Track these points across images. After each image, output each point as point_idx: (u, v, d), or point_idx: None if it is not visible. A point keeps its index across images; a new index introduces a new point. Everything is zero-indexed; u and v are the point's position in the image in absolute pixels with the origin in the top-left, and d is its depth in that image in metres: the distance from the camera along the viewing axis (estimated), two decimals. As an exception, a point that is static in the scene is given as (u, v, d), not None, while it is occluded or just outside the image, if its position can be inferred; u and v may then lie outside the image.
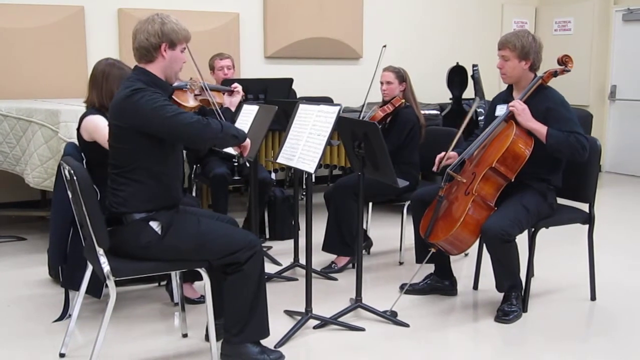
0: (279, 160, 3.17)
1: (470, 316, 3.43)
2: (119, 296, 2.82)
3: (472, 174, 3.26)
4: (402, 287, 3.63)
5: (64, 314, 3.25)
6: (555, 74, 3.32)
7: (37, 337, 3.06)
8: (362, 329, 3.14)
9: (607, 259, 4.18)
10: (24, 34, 5.25)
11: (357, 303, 3.31)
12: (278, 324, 3.08)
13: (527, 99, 3.29)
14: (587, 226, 3.49)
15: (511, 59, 3.30)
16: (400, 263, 4.24)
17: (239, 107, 3.51)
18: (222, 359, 2.71)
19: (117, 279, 2.52)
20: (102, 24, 5.62)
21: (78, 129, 3.23)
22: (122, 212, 2.55)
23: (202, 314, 2.92)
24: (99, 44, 5.56)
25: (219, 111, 2.95)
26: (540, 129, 3.20)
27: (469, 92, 6.55)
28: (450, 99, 6.54)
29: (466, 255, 4.23)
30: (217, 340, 2.72)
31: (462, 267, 4.12)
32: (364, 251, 4.16)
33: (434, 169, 3.44)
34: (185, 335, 3.07)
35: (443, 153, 3.43)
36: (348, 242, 3.96)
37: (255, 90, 4.42)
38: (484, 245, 3.34)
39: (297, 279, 3.85)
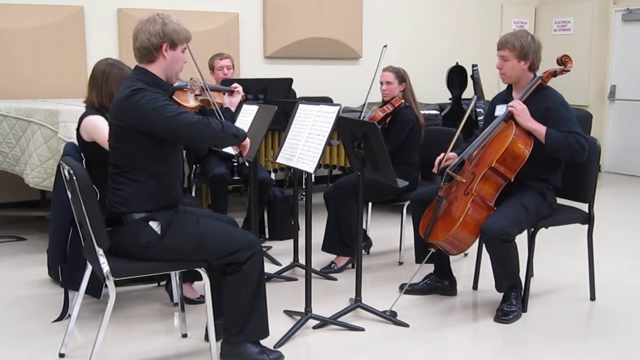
0: (278, 160, 3.17)
1: (470, 316, 3.43)
2: (119, 296, 2.82)
3: (472, 174, 3.26)
4: (401, 287, 3.63)
5: (64, 314, 3.25)
6: (554, 74, 3.33)
7: (37, 337, 3.06)
8: (362, 329, 3.14)
9: (607, 259, 4.18)
10: (23, 34, 5.25)
11: (357, 303, 3.31)
12: (278, 324, 3.08)
13: (527, 99, 3.29)
14: (586, 226, 3.49)
15: (510, 59, 3.30)
16: (400, 263, 4.24)
17: (238, 107, 3.51)
18: (221, 359, 2.71)
19: (117, 279, 2.52)
20: (102, 24, 5.62)
21: (77, 129, 3.23)
22: (122, 212, 2.55)
23: (202, 314, 2.92)
24: (98, 44, 5.56)
25: (219, 111, 2.95)
26: (540, 129, 3.20)
27: (468, 92, 6.55)
28: (450, 99, 6.54)
29: (466, 255, 4.23)
30: (217, 340, 2.73)
31: (461, 267, 4.12)
32: (363, 251, 4.16)
33: (434, 170, 3.44)
34: (184, 335, 3.07)
35: (442, 154, 3.43)
36: (347, 242, 3.96)
37: (255, 90, 4.42)
38: (484, 245, 3.34)
39: (296, 279, 3.85)
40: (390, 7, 7.07)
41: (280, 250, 4.42)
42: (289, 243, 4.26)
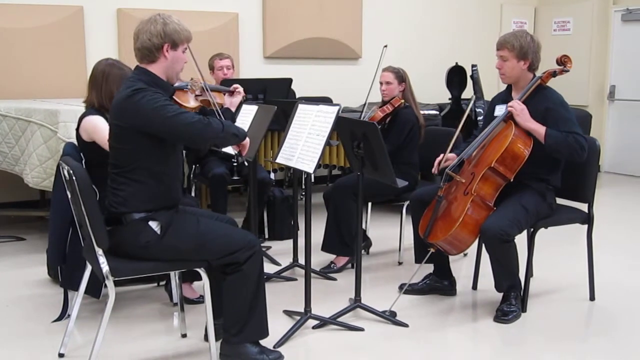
0: (278, 160, 3.17)
1: (470, 316, 3.43)
2: (118, 296, 2.82)
3: (471, 174, 3.26)
4: (401, 287, 3.63)
5: (63, 314, 3.25)
6: (554, 74, 3.33)
7: (37, 337, 3.06)
8: (361, 329, 3.14)
9: (606, 259, 4.18)
10: (23, 34, 5.25)
11: (356, 303, 3.31)
12: (277, 324, 3.08)
13: (526, 99, 3.29)
14: (586, 226, 3.49)
15: (510, 59, 3.31)
16: (400, 263, 4.24)
17: (238, 107, 3.50)
18: (221, 359, 2.71)
19: (116, 279, 2.52)
20: (101, 24, 5.62)
21: (77, 129, 3.23)
22: (121, 211, 2.55)
23: (201, 314, 2.92)
24: (98, 44, 5.56)
25: (220, 112, 2.95)
26: (539, 129, 3.20)
27: (468, 92, 6.56)
28: (450, 99, 6.55)
29: (465, 255, 4.23)
30: (216, 340, 2.73)
31: (461, 267, 4.12)
32: (363, 251, 4.16)
33: (433, 171, 3.45)
34: (184, 335, 3.07)
35: (442, 155, 3.43)
36: (347, 242, 3.96)
37: (255, 90, 4.42)
38: (483, 245, 3.34)
39: (296, 279, 3.85)
40: (390, 7, 7.07)
41: (280, 250, 4.42)
42: (289, 243, 4.26)
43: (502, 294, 3.34)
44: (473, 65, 6.39)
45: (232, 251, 2.59)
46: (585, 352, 2.99)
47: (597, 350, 2.99)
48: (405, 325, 3.19)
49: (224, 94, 3.31)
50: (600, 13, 7.60)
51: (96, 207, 2.50)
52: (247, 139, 2.70)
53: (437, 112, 6.06)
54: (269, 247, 4.52)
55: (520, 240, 3.23)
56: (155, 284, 3.70)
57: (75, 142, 3.29)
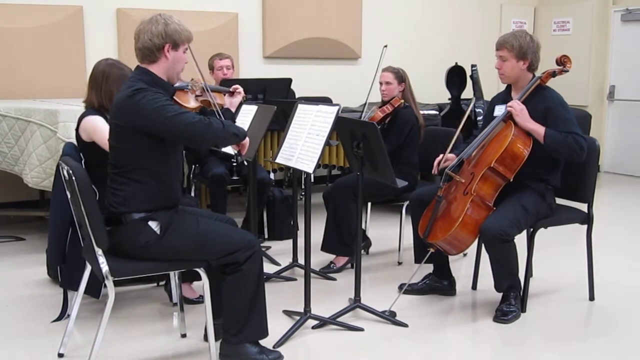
0: (277, 160, 3.17)
1: (469, 316, 3.43)
2: (118, 296, 2.82)
3: (471, 174, 3.26)
4: (400, 287, 3.63)
5: (63, 314, 3.25)
6: (553, 74, 3.33)
7: (36, 337, 3.06)
8: (361, 329, 3.14)
9: (606, 259, 4.18)
10: (22, 34, 5.25)
11: (356, 303, 3.31)
12: (277, 324, 3.08)
13: (526, 99, 3.30)
14: (585, 226, 3.49)
15: (509, 59, 3.31)
16: (399, 263, 4.24)
17: (238, 108, 3.50)
18: (220, 359, 2.71)
19: (116, 279, 2.52)
20: (101, 24, 5.62)
21: (77, 129, 3.23)
22: (121, 211, 2.55)
23: (201, 314, 2.92)
24: (97, 44, 5.56)
25: (220, 112, 2.95)
26: (538, 130, 3.20)
27: (467, 93, 6.56)
28: (449, 99, 6.55)
29: (465, 255, 4.24)
30: (216, 340, 2.73)
31: (460, 267, 4.12)
32: (362, 251, 4.16)
33: (433, 171, 3.45)
34: (184, 335, 3.07)
35: (441, 155, 3.43)
36: (347, 242, 3.96)
37: (254, 90, 4.42)
38: (483, 245, 3.35)
39: (295, 279, 3.85)
40: (389, 7, 7.07)
41: (280, 250, 4.42)
42: (288, 243, 4.26)
43: (501, 294, 3.34)
44: (473, 65, 6.40)
45: (232, 251, 2.59)
46: (584, 352, 2.99)
47: (596, 350, 2.99)
48: (405, 325, 3.19)
49: (224, 95, 3.32)
50: (600, 13, 7.60)
51: (96, 207, 2.50)
52: (247, 139, 2.70)
53: (437, 112, 6.06)
54: (268, 247, 4.52)
55: (520, 240, 3.23)
56: (155, 284, 3.70)
57: (75, 142, 3.29)
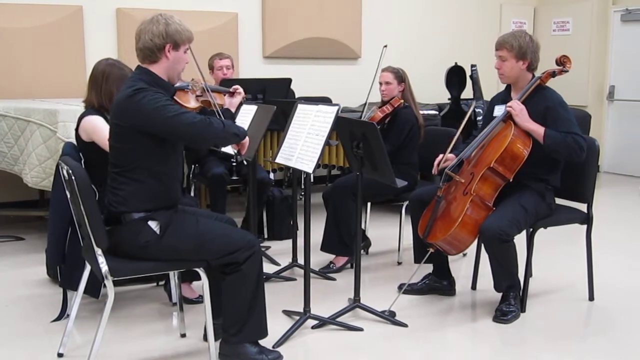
0: (277, 160, 3.17)
1: (469, 316, 3.43)
2: (117, 296, 2.82)
3: (471, 174, 3.26)
4: (400, 287, 3.63)
5: (62, 314, 3.25)
6: (553, 74, 3.33)
7: (36, 337, 3.06)
8: (361, 329, 3.14)
9: (605, 259, 4.18)
10: (22, 34, 5.24)
11: (356, 303, 3.31)
12: (276, 324, 3.08)
13: (526, 99, 3.30)
14: (585, 226, 3.49)
15: (509, 59, 3.31)
16: (399, 263, 4.24)
17: (238, 108, 3.50)
18: (220, 359, 2.71)
19: (115, 278, 2.52)
20: (101, 24, 5.62)
21: (76, 129, 3.23)
22: (121, 211, 2.55)
23: (201, 313, 2.92)
24: (97, 44, 5.56)
25: (220, 112, 2.95)
26: (538, 130, 3.20)
27: (467, 93, 6.56)
28: (449, 99, 6.54)
29: (464, 255, 4.24)
30: (216, 340, 2.73)
31: (460, 267, 4.12)
32: (362, 251, 4.16)
33: (433, 172, 3.45)
34: (183, 335, 3.07)
35: (441, 155, 3.43)
36: (346, 242, 3.96)
37: (254, 90, 4.42)
38: (482, 245, 3.35)
39: (295, 279, 3.85)
40: (389, 7, 7.07)
41: (279, 250, 4.42)
42: (288, 243, 4.26)
43: (501, 294, 3.34)
44: (472, 66, 6.40)
45: (232, 251, 2.59)
46: (584, 352, 2.99)
47: (596, 350, 2.99)
48: (405, 325, 3.19)
49: (224, 95, 3.32)
50: (599, 13, 7.60)
51: (95, 206, 2.50)
52: (247, 138, 2.70)
53: (437, 112, 6.06)
54: (268, 247, 4.52)
55: (520, 240, 3.24)
56: (155, 284, 3.70)
57: (75, 142, 3.29)
